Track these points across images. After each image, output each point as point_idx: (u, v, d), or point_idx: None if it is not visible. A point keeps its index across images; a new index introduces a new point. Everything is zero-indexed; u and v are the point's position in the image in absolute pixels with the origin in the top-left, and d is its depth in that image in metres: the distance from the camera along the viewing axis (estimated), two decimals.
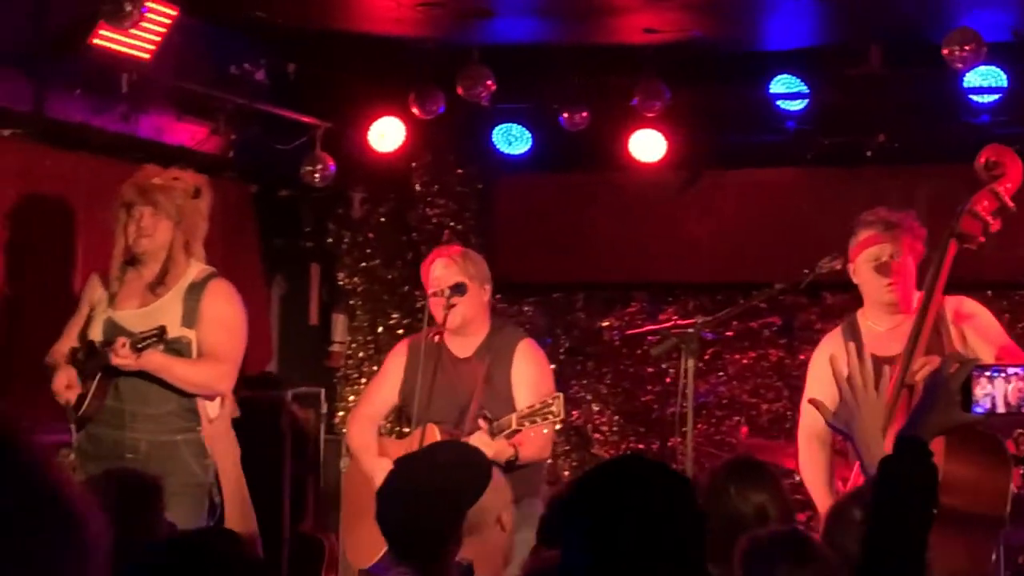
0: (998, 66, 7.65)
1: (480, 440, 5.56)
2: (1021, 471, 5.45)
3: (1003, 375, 2.84)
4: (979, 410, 2.83)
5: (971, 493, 4.83)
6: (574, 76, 8.20)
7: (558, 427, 5.70)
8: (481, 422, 5.72)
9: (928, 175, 8.41)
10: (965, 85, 7.75)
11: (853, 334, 5.49)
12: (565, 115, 8.24)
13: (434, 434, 5.84)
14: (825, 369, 5.45)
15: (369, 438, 6.23)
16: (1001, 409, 2.84)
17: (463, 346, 6.10)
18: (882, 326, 5.48)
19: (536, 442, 5.80)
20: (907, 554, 2.63)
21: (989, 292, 7.99)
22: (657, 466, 2.66)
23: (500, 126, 8.67)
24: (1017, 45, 7.53)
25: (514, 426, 5.68)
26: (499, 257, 8.42)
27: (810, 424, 5.60)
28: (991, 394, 2.82)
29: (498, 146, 8.73)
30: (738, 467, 4.09)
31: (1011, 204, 5.18)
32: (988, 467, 4.88)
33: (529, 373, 6.00)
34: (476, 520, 3.57)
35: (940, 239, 5.28)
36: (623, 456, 2.68)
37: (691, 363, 5.82)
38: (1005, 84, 7.70)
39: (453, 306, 5.92)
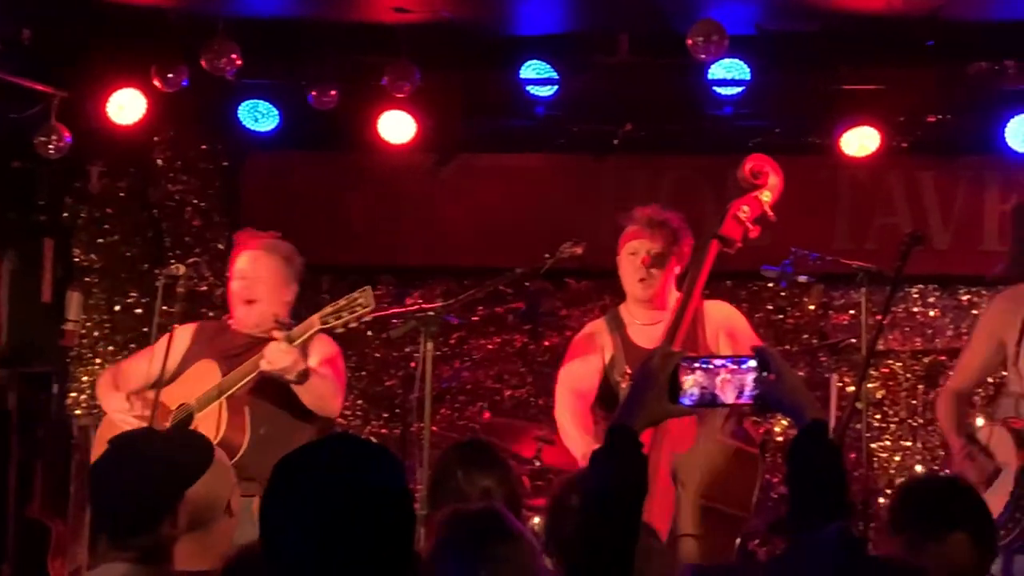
0: (742, 59, 7.78)
1: (277, 348, 5.19)
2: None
3: (710, 367, 2.86)
4: (687, 401, 2.85)
5: (728, 493, 4.97)
6: (323, 53, 8.05)
7: (368, 319, 5.26)
8: (276, 332, 5.25)
9: (673, 165, 8.54)
10: (709, 77, 7.86)
11: (618, 325, 5.52)
12: (314, 93, 8.09)
13: (212, 368, 5.48)
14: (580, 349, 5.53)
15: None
16: (711, 401, 2.87)
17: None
18: (643, 320, 5.50)
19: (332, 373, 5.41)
20: (619, 540, 2.62)
21: (729, 282, 8.15)
22: (365, 444, 2.58)
23: (246, 102, 8.45)
24: (760, 39, 7.67)
25: (317, 326, 5.25)
26: None
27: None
28: (700, 385, 2.84)
29: (244, 123, 8.51)
30: (467, 450, 4.07)
31: (771, 214, 5.27)
32: (742, 468, 5.01)
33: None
34: (211, 512, 3.45)
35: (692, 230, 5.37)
36: (330, 436, 2.59)
37: (430, 346, 5.77)
38: (748, 77, 7.84)
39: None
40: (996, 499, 4.97)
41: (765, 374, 2.86)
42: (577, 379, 5.47)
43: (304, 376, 5.29)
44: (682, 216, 5.56)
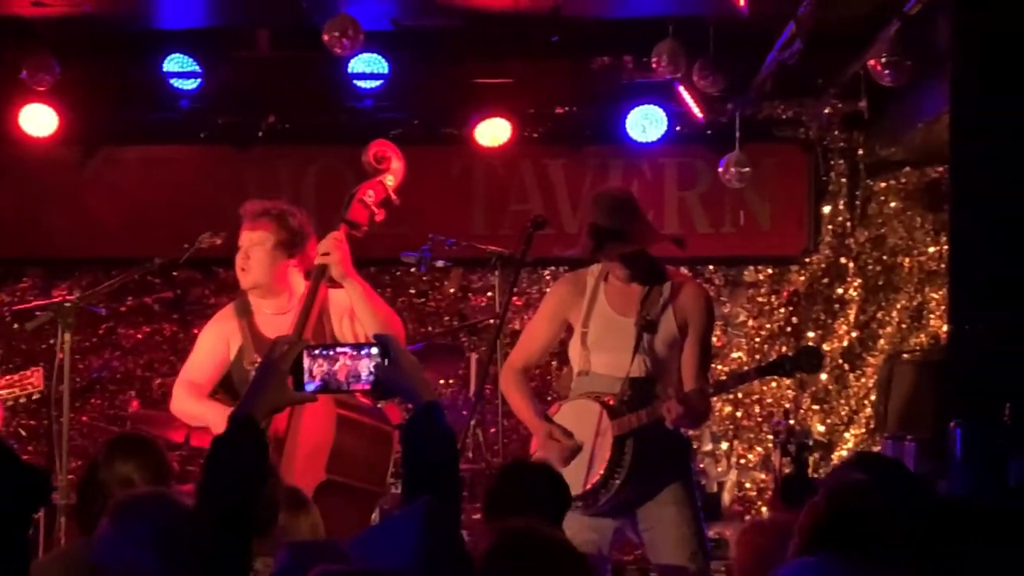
0: (380, 54, 8.10)
1: None
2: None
3: (331, 354, 3.05)
4: (310, 388, 3.03)
5: (360, 469, 5.19)
6: None
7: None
8: None
9: (316, 157, 8.77)
10: (350, 71, 8.16)
11: (245, 313, 5.63)
12: None
13: None
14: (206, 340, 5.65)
15: None
16: (333, 387, 3.05)
17: None
18: (268, 309, 5.55)
19: None
20: (236, 522, 2.79)
21: (372, 268, 8.42)
22: None
23: None
24: (397, 34, 7.99)
25: None
26: None
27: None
28: (322, 372, 3.02)
29: None
30: (113, 441, 4.20)
31: (395, 197, 5.48)
32: (374, 445, 5.24)
33: None
34: None
35: (329, 219, 5.52)
36: None
37: (68, 337, 5.85)
38: (387, 71, 8.17)
39: None
40: (578, 472, 5.31)
41: (384, 360, 3.03)
42: (196, 372, 5.53)
43: None
44: (294, 207, 5.60)
